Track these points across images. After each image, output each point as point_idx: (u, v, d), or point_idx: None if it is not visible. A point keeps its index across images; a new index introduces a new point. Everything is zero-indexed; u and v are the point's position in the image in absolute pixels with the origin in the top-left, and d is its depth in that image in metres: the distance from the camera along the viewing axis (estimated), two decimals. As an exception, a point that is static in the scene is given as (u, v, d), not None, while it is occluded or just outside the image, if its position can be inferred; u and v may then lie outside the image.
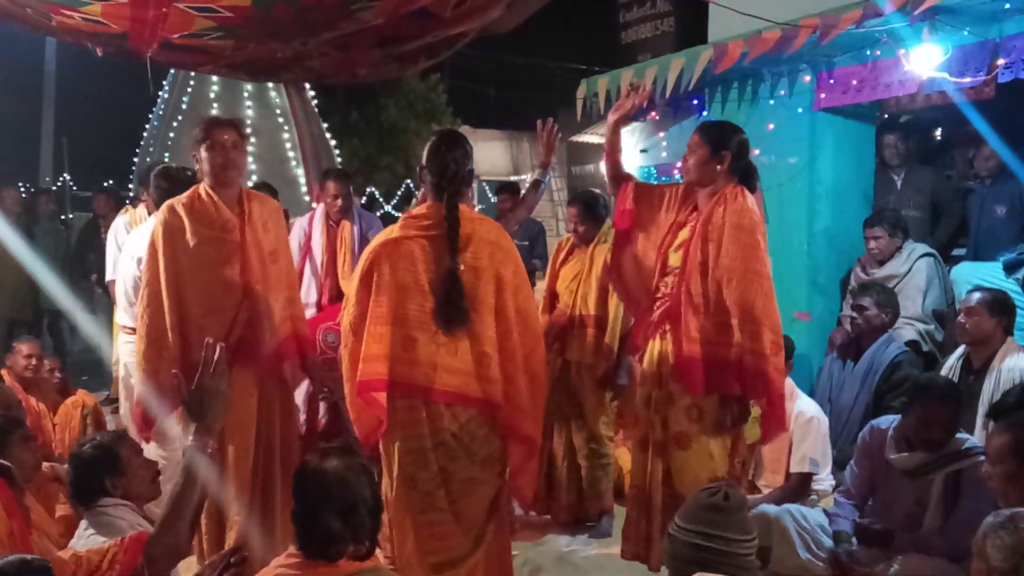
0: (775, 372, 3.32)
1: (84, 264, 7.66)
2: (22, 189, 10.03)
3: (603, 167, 3.91)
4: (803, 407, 4.30)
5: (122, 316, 4.79)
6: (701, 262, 3.37)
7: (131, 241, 4.77)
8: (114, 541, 2.41)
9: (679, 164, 6.62)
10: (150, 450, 4.65)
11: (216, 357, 2.45)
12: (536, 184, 3.81)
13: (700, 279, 3.37)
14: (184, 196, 3.52)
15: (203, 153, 3.47)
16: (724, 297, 3.31)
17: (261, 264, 3.51)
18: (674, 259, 3.49)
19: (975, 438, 3.64)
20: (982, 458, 3.40)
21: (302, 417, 4.61)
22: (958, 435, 3.51)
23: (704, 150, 3.43)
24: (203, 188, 3.52)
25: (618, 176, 3.75)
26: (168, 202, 3.53)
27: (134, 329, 4.68)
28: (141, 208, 5.46)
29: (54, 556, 2.34)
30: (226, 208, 3.50)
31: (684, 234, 3.47)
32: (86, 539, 2.78)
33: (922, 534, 3.45)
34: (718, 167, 3.39)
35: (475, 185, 18.75)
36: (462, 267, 2.95)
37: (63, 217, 11.38)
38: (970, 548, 3.25)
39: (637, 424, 3.70)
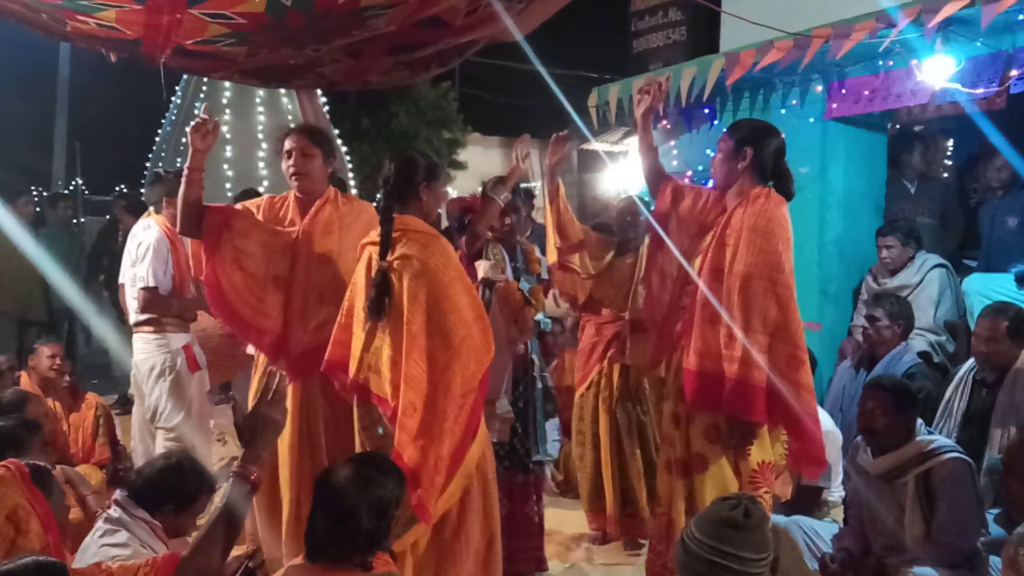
0: (796, 390, 3.05)
1: (98, 266, 7.71)
2: (35, 193, 10.08)
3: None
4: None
5: (133, 316, 4.80)
6: (716, 268, 3.17)
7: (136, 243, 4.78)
8: (144, 560, 2.39)
9: (689, 173, 6.63)
10: (158, 439, 4.68)
11: (276, 386, 2.43)
12: (488, 200, 3.77)
13: (714, 287, 3.15)
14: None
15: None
16: (734, 305, 3.08)
17: (307, 264, 3.60)
18: (697, 266, 3.29)
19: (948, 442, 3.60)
20: (948, 456, 3.39)
21: None
22: (924, 436, 3.48)
23: (727, 146, 3.26)
24: (291, 191, 3.73)
25: (657, 175, 3.52)
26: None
27: (142, 324, 4.69)
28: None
29: (81, 570, 2.34)
30: (295, 208, 3.68)
31: (707, 240, 3.27)
32: (96, 539, 2.79)
33: (911, 553, 3.40)
34: (739, 165, 3.20)
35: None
36: (387, 266, 3.06)
37: (75, 220, 11.44)
38: (962, 550, 3.27)
39: (663, 443, 3.49)
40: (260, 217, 3.68)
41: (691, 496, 3.24)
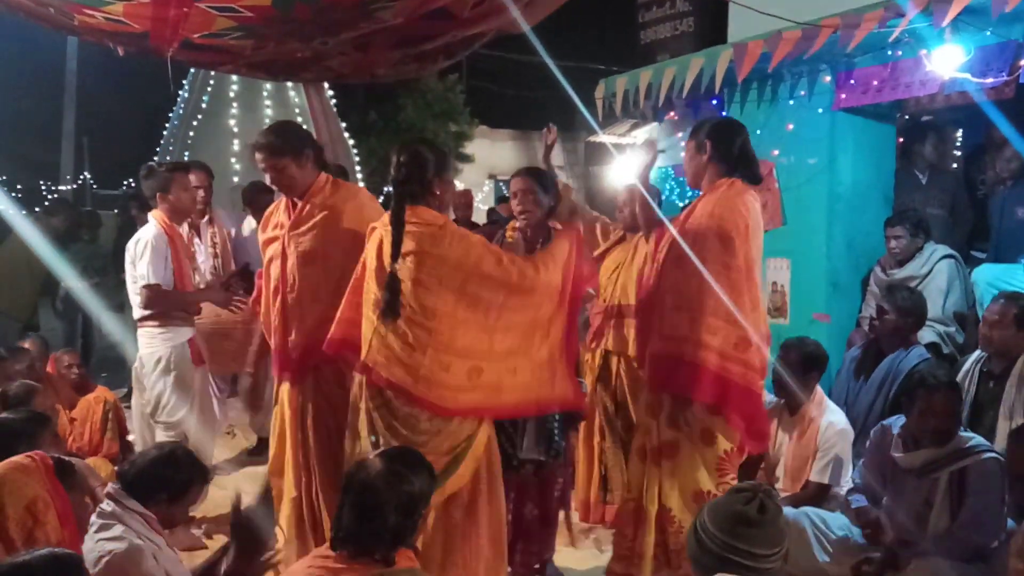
0: (743, 372, 3.19)
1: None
2: (43, 186, 10.09)
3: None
4: (833, 418, 4.18)
5: (137, 311, 4.82)
6: (678, 256, 3.28)
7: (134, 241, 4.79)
8: None
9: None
10: (158, 433, 4.70)
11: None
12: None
13: (674, 273, 3.30)
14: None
15: None
16: (691, 290, 3.21)
17: (296, 265, 3.59)
18: (662, 255, 3.44)
19: (985, 442, 3.60)
20: (986, 455, 3.39)
21: None
22: (962, 433, 3.49)
23: (689, 146, 3.44)
24: None
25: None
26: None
27: (145, 319, 4.72)
28: None
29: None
30: (284, 209, 3.69)
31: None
32: (92, 535, 2.79)
33: (926, 545, 3.40)
34: (703, 158, 3.37)
35: (491, 185, 18.84)
36: (399, 268, 3.02)
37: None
38: (979, 546, 3.27)
39: (638, 430, 3.60)
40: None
41: (661, 483, 3.35)
